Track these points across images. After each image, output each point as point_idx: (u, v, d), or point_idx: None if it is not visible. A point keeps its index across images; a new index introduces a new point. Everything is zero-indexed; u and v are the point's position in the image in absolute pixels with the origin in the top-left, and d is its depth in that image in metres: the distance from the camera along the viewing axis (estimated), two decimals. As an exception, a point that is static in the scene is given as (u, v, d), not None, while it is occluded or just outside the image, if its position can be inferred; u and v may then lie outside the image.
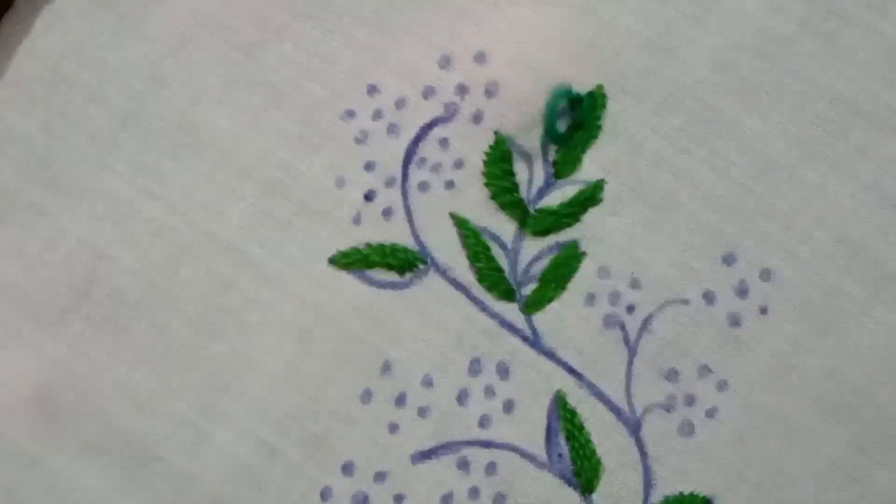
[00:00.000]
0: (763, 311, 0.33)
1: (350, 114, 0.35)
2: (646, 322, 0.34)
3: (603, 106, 0.34)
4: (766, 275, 0.33)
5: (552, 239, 0.34)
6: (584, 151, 0.34)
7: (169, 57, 0.35)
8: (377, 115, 0.35)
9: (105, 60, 0.35)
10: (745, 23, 0.35)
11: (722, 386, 0.33)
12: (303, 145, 0.35)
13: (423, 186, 0.34)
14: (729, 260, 0.34)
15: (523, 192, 0.34)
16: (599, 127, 0.34)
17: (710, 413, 0.33)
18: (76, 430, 0.34)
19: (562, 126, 0.34)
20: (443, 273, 0.34)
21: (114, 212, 0.35)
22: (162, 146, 0.35)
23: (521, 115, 0.35)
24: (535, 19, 0.35)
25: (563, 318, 0.34)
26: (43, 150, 0.35)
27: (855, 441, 0.33)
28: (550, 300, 0.34)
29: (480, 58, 0.35)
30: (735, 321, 0.33)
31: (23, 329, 0.34)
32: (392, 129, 0.35)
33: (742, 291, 0.33)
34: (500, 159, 0.34)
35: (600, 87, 0.34)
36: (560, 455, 0.33)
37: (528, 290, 0.34)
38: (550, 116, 0.34)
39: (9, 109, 0.35)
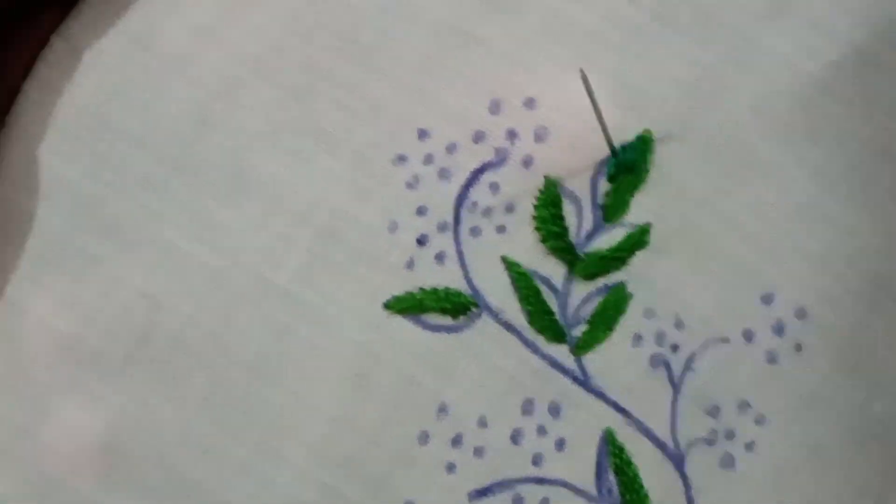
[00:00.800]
0: (798, 348, 0.35)
1: (401, 158, 0.35)
2: (689, 361, 0.35)
3: (651, 151, 0.35)
4: (801, 313, 0.35)
5: (601, 281, 0.35)
6: (632, 195, 0.35)
7: (216, 101, 0.35)
8: (428, 159, 0.35)
9: (150, 104, 0.35)
10: (781, 67, 0.35)
11: (760, 420, 0.34)
12: (355, 191, 0.35)
13: (475, 231, 0.35)
14: (767, 299, 0.35)
15: (573, 236, 0.35)
16: (647, 171, 0.35)
17: (750, 446, 0.34)
18: (140, 478, 0.34)
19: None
20: (495, 316, 0.35)
21: (168, 260, 0.35)
22: (213, 193, 0.35)
23: (570, 159, 0.35)
24: (582, 66, 0.34)
25: (611, 359, 0.35)
26: (91, 197, 0.35)
27: (881, 469, 0.34)
28: (599, 341, 0.35)
29: (530, 103, 0.35)
30: (772, 358, 0.35)
31: (84, 380, 0.34)
32: (443, 174, 0.35)
33: (779, 329, 0.35)
34: (549, 203, 0.35)
35: (648, 131, 0.35)
36: (609, 490, 0.34)
37: (578, 331, 0.35)
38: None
39: (53, 155, 0.35)
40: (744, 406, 0.35)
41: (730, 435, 0.34)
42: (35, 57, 0.35)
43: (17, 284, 0.35)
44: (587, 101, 0.34)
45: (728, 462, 0.34)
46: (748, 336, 0.35)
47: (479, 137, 0.35)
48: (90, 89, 0.35)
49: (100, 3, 0.35)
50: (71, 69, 0.35)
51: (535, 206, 0.35)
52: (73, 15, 0.35)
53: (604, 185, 0.35)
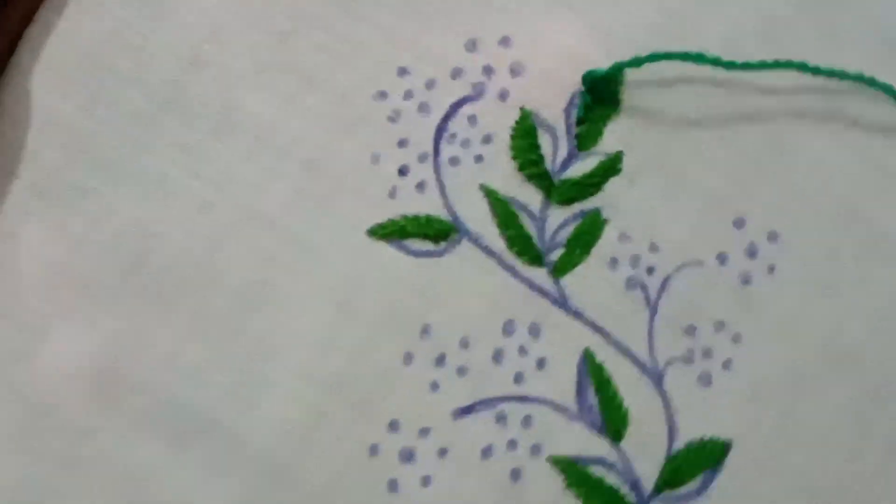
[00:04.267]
0: (771, 270, 0.35)
1: (382, 95, 0.36)
2: (665, 283, 0.35)
3: (621, 82, 0.36)
4: (773, 237, 0.35)
5: (576, 207, 0.35)
6: (604, 125, 0.35)
7: (205, 43, 0.36)
8: (408, 95, 0.36)
9: (143, 46, 0.36)
10: (748, 8, 0.36)
11: (736, 339, 0.34)
12: (338, 126, 0.35)
13: (454, 161, 0.35)
14: (739, 224, 0.35)
15: (548, 164, 0.35)
16: (619, 102, 0.35)
17: (727, 364, 0.34)
18: (131, 400, 0.34)
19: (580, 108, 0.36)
20: (475, 241, 0.35)
21: (159, 191, 0.35)
22: (202, 128, 0.35)
23: (544, 91, 0.36)
24: (554, 7, 0.36)
25: (588, 281, 0.35)
26: (85, 132, 0.35)
27: (859, 387, 0.34)
28: (576, 264, 0.35)
29: (505, 41, 0.36)
30: (746, 280, 0.35)
31: (78, 305, 0.34)
32: (423, 108, 0.36)
33: (752, 252, 0.35)
34: (525, 133, 0.35)
35: (618, 64, 0.35)
36: (590, 407, 0.34)
37: (556, 255, 0.35)
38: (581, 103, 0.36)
39: (49, 93, 0.36)
40: (720, 326, 0.35)
41: (707, 353, 0.34)
42: (36, 4, 0.36)
43: (11, 215, 0.35)
44: (559, 37, 0.37)
45: (706, 380, 0.34)
46: (722, 259, 0.35)
47: (456, 73, 0.36)
48: (87, 33, 0.36)
49: (99, -45, 0.36)
50: (70, 14, 0.36)
51: (512, 137, 0.35)
52: (73, -36, 0.36)
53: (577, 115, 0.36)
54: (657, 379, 0.35)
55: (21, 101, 0.36)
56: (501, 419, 0.35)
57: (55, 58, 0.36)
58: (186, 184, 0.35)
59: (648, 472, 0.34)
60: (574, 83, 0.36)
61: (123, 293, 0.35)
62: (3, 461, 0.34)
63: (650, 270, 0.35)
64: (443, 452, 0.34)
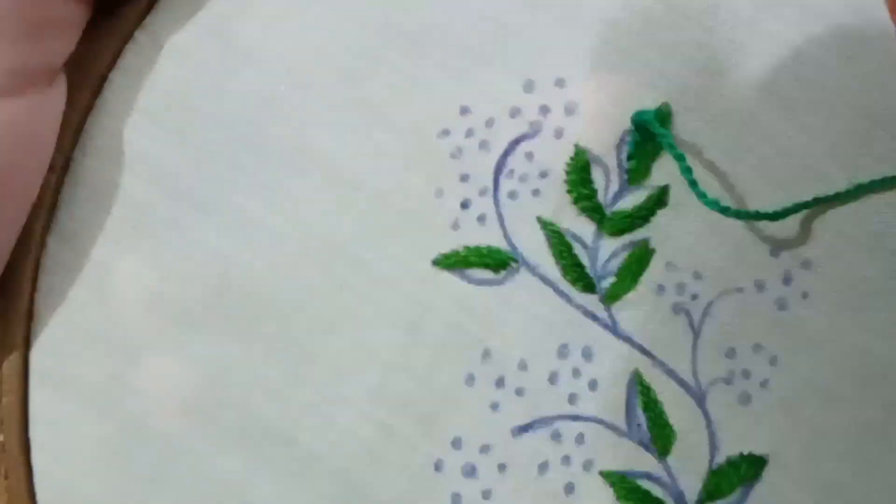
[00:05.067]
0: (805, 295, 0.37)
1: (445, 132, 0.38)
2: (707, 308, 0.37)
3: (669, 121, 0.37)
4: (806, 265, 0.37)
5: (626, 238, 0.37)
6: (653, 161, 0.37)
7: (280, 84, 0.38)
8: (469, 133, 0.38)
9: (222, 88, 0.38)
10: (781, 47, 0.38)
11: (773, 361, 0.36)
12: (404, 161, 0.37)
13: (513, 195, 0.37)
14: (775, 253, 0.37)
15: (600, 198, 0.37)
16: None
17: (764, 384, 0.36)
18: (217, 418, 0.37)
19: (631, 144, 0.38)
20: (532, 270, 0.37)
21: (239, 223, 0.37)
22: (279, 164, 0.37)
23: (597, 129, 0.38)
24: (605, 49, 0.38)
25: (637, 307, 0.37)
26: (171, 169, 0.38)
27: (883, 404, 0.36)
28: (626, 292, 0.37)
29: (560, 82, 0.38)
30: (782, 305, 0.37)
31: (167, 330, 0.37)
32: (483, 146, 0.38)
33: (787, 280, 0.37)
34: (579, 169, 0.37)
35: (667, 104, 0.37)
36: (638, 425, 0.36)
37: (607, 283, 0.37)
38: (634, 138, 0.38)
39: (138, 134, 0.38)
40: (757, 348, 0.36)
41: (746, 374, 0.36)
42: (120, 49, 0.38)
43: (104, 245, 0.37)
44: (610, 78, 0.39)
45: (745, 399, 0.36)
46: (759, 286, 0.37)
47: (514, 112, 0.38)
48: (169, 75, 0.38)
49: (178, 0, 0.38)
50: (152, 58, 0.38)
51: (567, 172, 0.37)
52: (154, 11, 0.38)
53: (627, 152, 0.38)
54: (700, 398, 0.37)
55: (109, 140, 0.38)
56: (556, 436, 0.37)
57: (140, 100, 0.38)
58: (264, 216, 0.38)
59: (691, 485, 0.36)
60: (625, 122, 0.38)
61: (209, 319, 0.37)
62: (97, 476, 0.37)
63: (694, 297, 0.37)
64: (502, 468, 0.37)
